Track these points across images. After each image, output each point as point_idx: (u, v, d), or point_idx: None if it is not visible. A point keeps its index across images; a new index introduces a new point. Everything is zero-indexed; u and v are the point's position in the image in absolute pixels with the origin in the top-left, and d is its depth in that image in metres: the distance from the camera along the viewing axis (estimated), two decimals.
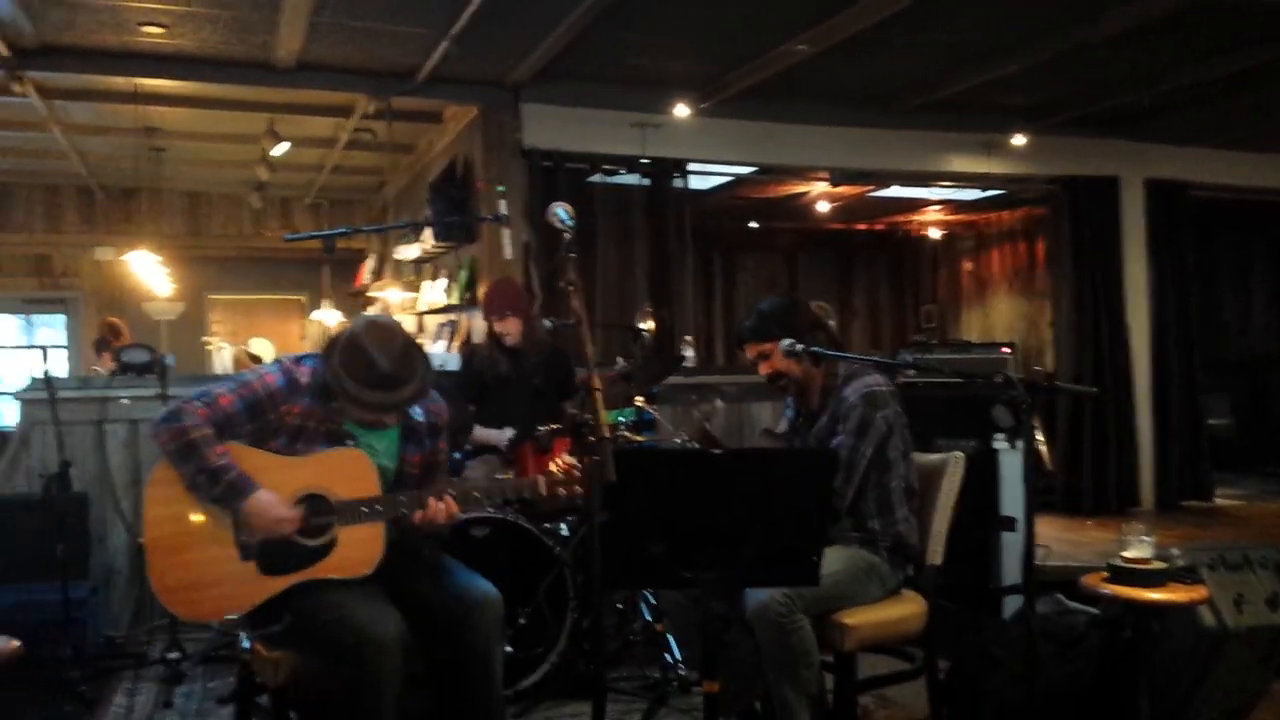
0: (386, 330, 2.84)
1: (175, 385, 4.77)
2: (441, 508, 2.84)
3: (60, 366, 10.97)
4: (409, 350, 2.81)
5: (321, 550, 2.78)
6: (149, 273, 9.22)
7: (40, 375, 4.63)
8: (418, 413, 3.02)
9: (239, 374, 2.99)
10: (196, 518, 2.79)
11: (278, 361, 2.96)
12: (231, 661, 4.22)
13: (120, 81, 6.43)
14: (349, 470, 2.83)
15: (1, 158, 8.96)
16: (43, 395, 4.64)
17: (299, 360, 2.93)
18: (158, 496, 2.81)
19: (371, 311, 8.69)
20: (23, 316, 11.86)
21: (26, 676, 4.00)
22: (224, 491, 2.73)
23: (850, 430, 3.18)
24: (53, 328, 11.76)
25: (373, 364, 2.73)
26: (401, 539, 2.90)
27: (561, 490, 2.94)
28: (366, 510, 2.80)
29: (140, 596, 5.06)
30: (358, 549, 2.79)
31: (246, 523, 2.76)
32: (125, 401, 5.15)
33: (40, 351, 4.81)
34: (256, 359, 10.84)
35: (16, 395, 5.29)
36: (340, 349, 2.77)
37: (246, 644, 2.93)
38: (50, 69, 6.00)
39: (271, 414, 2.83)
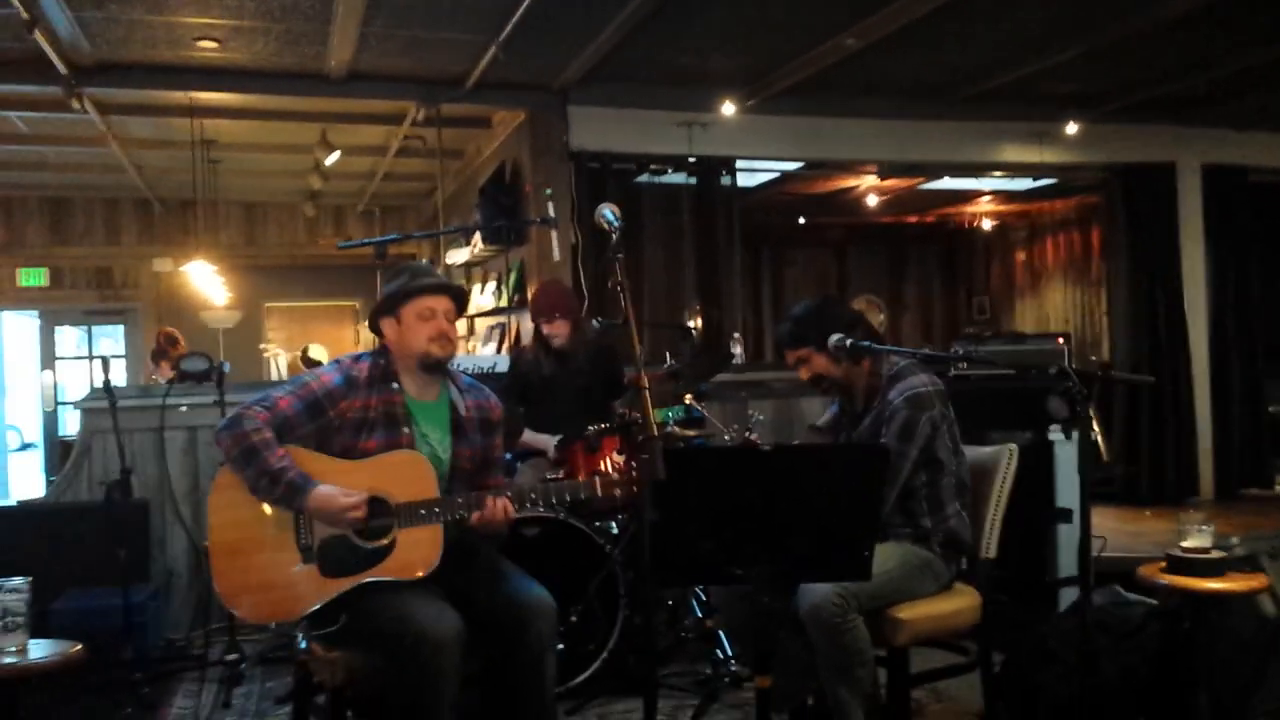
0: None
1: (233, 392, 4.85)
2: (499, 510, 2.87)
3: (120, 376, 11.21)
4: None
5: (381, 552, 2.82)
6: (206, 283, 9.40)
7: (101, 384, 4.74)
8: (469, 406, 3.09)
9: (297, 377, 3.05)
10: (259, 522, 2.84)
11: (335, 361, 3.05)
12: (289, 662, 4.29)
13: (176, 96, 6.57)
14: (408, 472, 2.88)
15: (62, 173, 9.18)
16: (103, 404, 4.75)
17: (356, 359, 3.02)
18: (221, 502, 2.87)
19: None
20: (84, 327, 12.14)
21: (90, 679, 4.08)
22: (285, 491, 2.78)
23: (894, 433, 3.16)
24: (113, 338, 12.03)
25: (408, 266, 3.09)
26: (460, 539, 2.94)
27: (616, 491, 2.95)
28: (425, 512, 2.83)
29: (199, 600, 5.17)
30: (417, 550, 2.82)
31: (313, 517, 2.81)
32: (184, 409, 5.26)
33: (101, 361, 4.91)
34: (315, 364, 11.02)
35: (78, 404, 5.43)
36: (384, 282, 3.08)
37: (304, 645, 2.98)
38: (108, 85, 6.14)
39: (331, 411, 2.90)
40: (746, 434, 4.34)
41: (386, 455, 2.90)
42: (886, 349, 3.29)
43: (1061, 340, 6.64)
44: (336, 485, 2.83)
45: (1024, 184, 9.44)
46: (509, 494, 2.92)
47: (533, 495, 2.96)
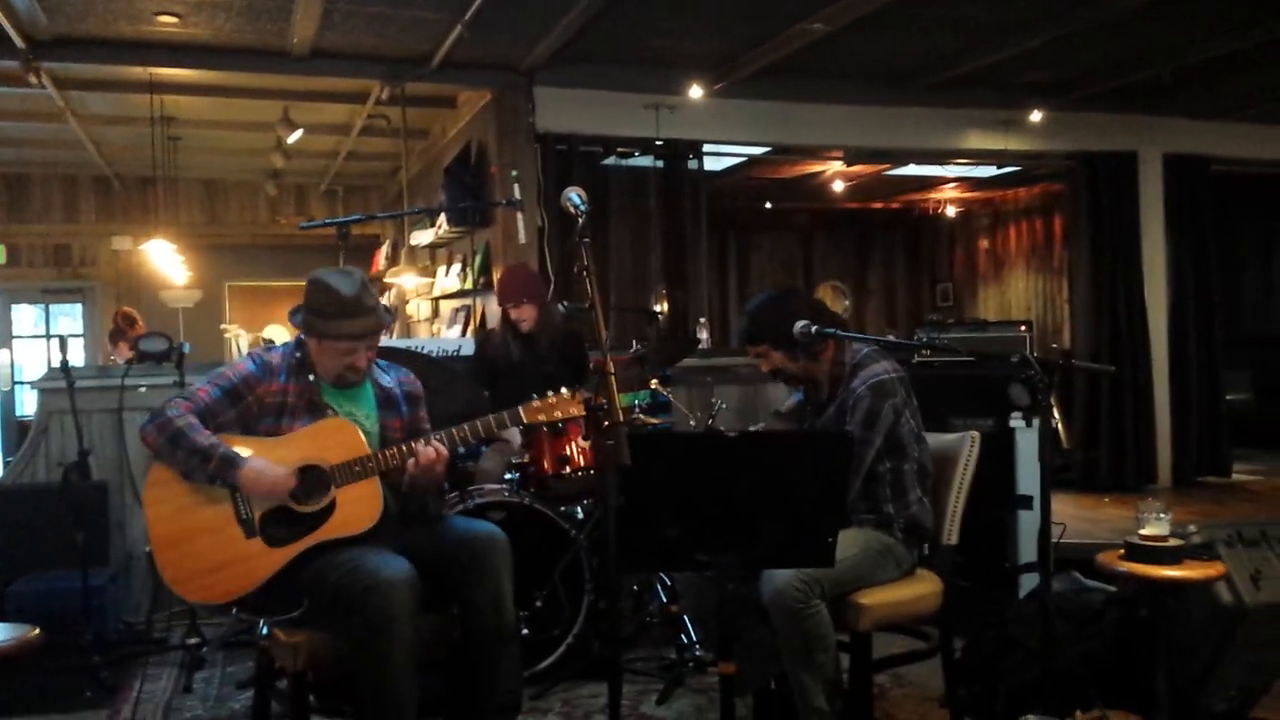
0: (342, 270, 3.07)
1: (192, 373, 4.79)
2: (431, 452, 2.94)
3: (78, 356, 11.05)
4: (365, 283, 3.03)
5: (322, 514, 2.88)
6: (166, 262, 9.27)
7: (58, 364, 4.66)
8: (388, 379, 3.18)
9: (214, 370, 3.16)
10: (196, 507, 2.88)
11: (249, 353, 3.16)
12: (250, 647, 4.27)
13: (135, 71, 6.45)
14: (337, 438, 2.94)
15: (19, 149, 9.02)
16: (61, 384, 4.67)
17: (269, 348, 3.13)
18: (155, 497, 2.91)
19: (386, 297, 8.73)
20: (41, 306, 11.94)
21: (48, 663, 4.03)
22: (218, 466, 2.83)
23: (858, 421, 3.18)
24: (71, 317, 11.84)
25: (337, 294, 2.94)
26: (405, 504, 3.01)
27: (541, 417, 3.00)
28: (359, 468, 2.90)
29: (159, 583, 5.10)
30: (358, 506, 2.89)
31: (248, 491, 2.85)
32: (143, 390, 5.19)
33: (58, 340, 4.83)
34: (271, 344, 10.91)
35: (35, 384, 5.34)
36: (306, 292, 3.00)
37: (265, 630, 2.97)
38: (66, 60, 6.01)
39: (249, 396, 2.98)
40: (709, 422, 4.35)
41: (316, 424, 2.97)
42: (847, 335, 3.29)
43: (1024, 328, 6.69)
44: (271, 459, 2.89)
45: (988, 171, 9.50)
46: (440, 436, 2.97)
47: (460, 433, 3.00)
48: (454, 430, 3.01)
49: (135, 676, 4.36)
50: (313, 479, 2.89)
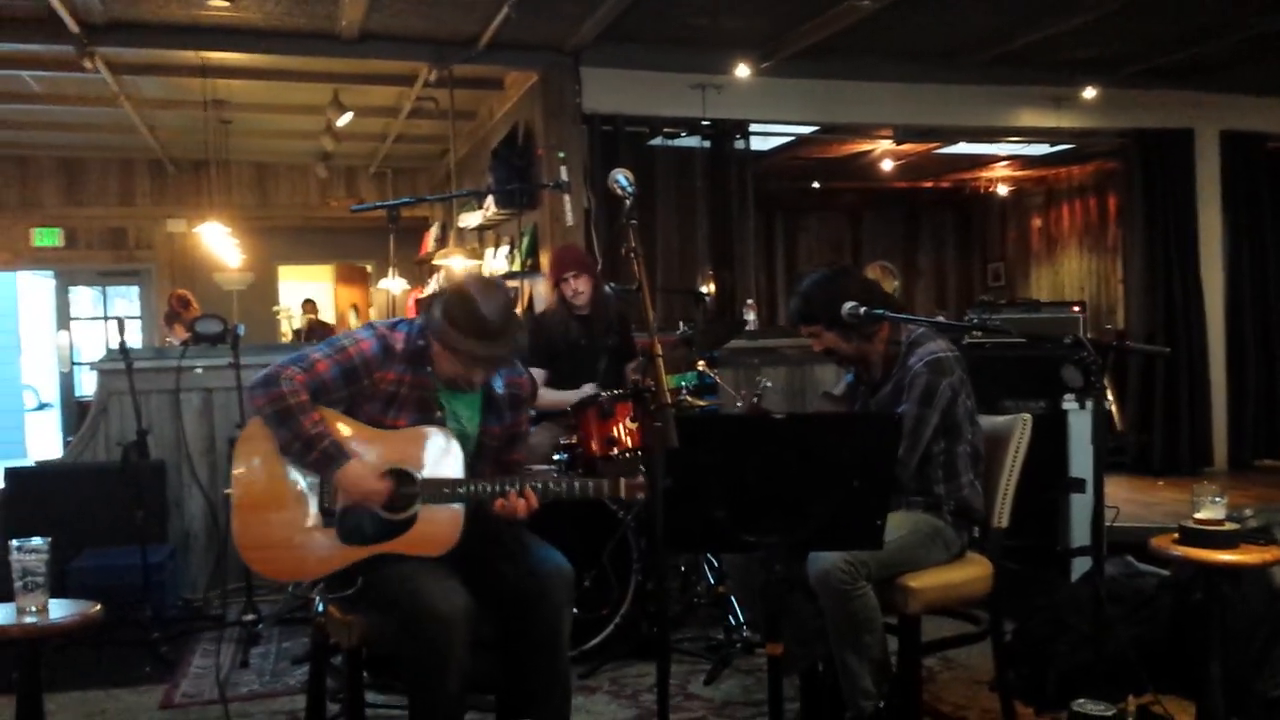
0: (491, 284, 2.90)
1: (247, 354, 4.86)
2: (520, 504, 2.84)
3: (135, 337, 11.26)
4: (510, 306, 2.86)
5: (402, 525, 2.82)
6: (219, 244, 9.40)
7: (117, 346, 4.75)
8: (499, 384, 3.05)
9: (334, 339, 2.98)
10: (284, 479, 2.82)
11: (370, 326, 2.97)
12: (305, 624, 4.33)
13: (187, 55, 6.54)
14: (435, 450, 2.85)
15: (75, 133, 9.18)
16: (120, 365, 4.76)
17: (394, 326, 2.95)
18: (247, 452, 2.84)
19: (435, 280, 8.78)
20: (98, 288, 12.18)
21: (108, 638, 4.14)
22: (318, 459, 2.77)
23: (915, 399, 3.15)
24: (127, 299, 12.07)
25: (478, 313, 2.76)
26: (479, 511, 2.92)
27: (640, 495, 2.90)
28: (449, 491, 2.82)
29: (217, 560, 5.21)
30: (436, 528, 2.82)
31: (338, 490, 2.80)
32: (199, 371, 5.27)
33: (116, 322, 4.92)
34: (324, 325, 11.05)
35: (94, 366, 5.45)
36: (446, 299, 2.82)
37: (320, 607, 3.00)
38: (119, 44, 6.11)
39: (366, 380, 2.86)
40: (754, 400, 4.33)
41: (416, 429, 2.87)
42: (897, 317, 3.25)
43: (1077, 309, 6.56)
44: (366, 452, 2.82)
45: (1041, 149, 9.37)
46: (536, 486, 2.87)
47: (559, 488, 2.91)
48: (549, 481, 2.91)
49: (193, 651, 4.45)
50: (403, 483, 2.83)
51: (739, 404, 3.48)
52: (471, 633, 2.69)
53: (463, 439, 2.93)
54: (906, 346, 3.25)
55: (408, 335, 2.91)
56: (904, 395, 3.19)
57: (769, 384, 4.35)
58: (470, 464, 2.92)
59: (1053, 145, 8.98)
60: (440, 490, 2.82)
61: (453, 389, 2.95)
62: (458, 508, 2.83)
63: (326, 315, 12.49)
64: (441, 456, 2.85)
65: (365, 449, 2.83)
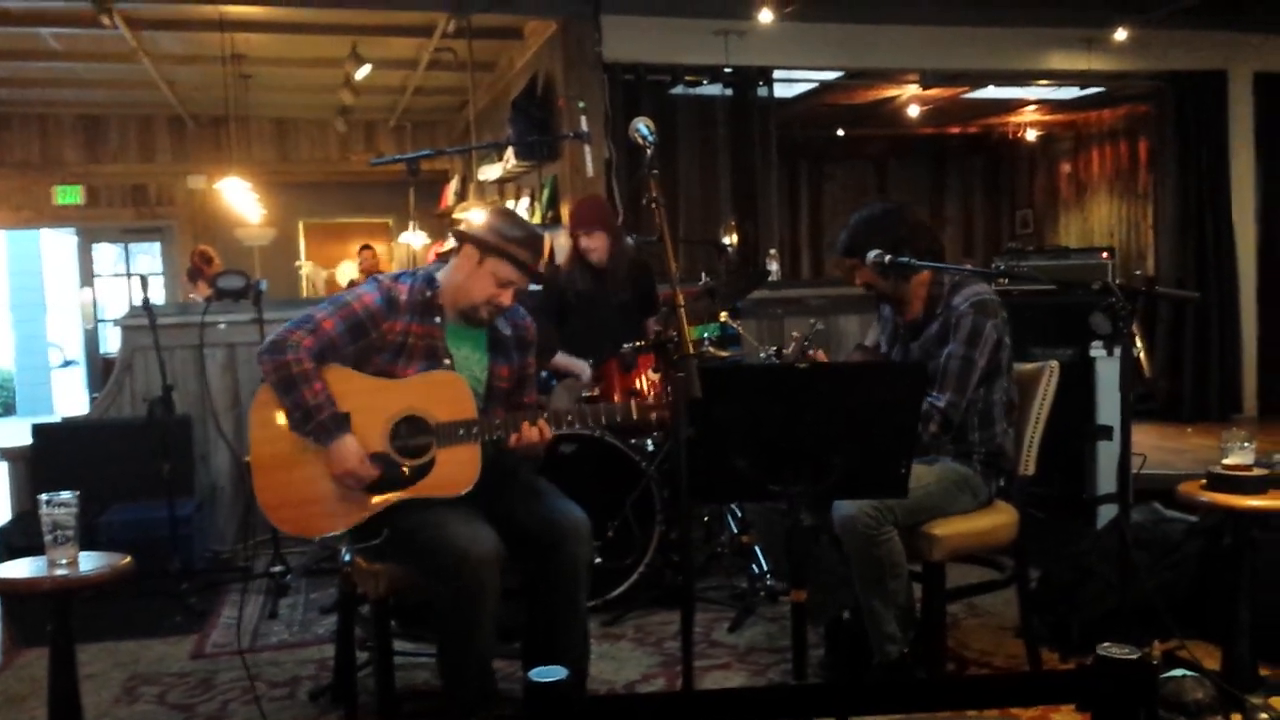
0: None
1: (270, 309, 4.87)
2: (535, 432, 2.88)
3: (158, 293, 11.33)
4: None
5: (421, 470, 2.85)
6: (240, 199, 9.41)
7: (140, 303, 4.77)
8: (504, 325, 3.09)
9: (337, 296, 3.03)
10: (300, 439, 2.86)
11: (374, 279, 3.01)
12: (333, 574, 4.38)
13: (205, 10, 6.50)
14: (447, 393, 2.89)
15: (95, 90, 9.17)
16: (144, 322, 4.79)
17: (396, 278, 2.99)
18: (262, 418, 2.89)
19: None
20: (120, 245, 12.24)
21: (139, 589, 4.19)
22: (314, 429, 2.81)
23: (962, 339, 3.12)
24: (149, 255, 12.13)
25: (526, 223, 3.06)
26: (498, 459, 2.96)
27: (652, 415, 2.94)
28: (463, 432, 2.85)
29: (243, 513, 5.26)
30: (455, 469, 2.85)
31: (328, 462, 2.82)
32: (222, 327, 5.29)
33: (140, 279, 4.94)
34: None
35: (119, 322, 5.48)
36: (489, 218, 3.01)
37: (347, 557, 3.03)
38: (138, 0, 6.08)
39: (374, 333, 2.90)
40: (805, 345, 4.24)
41: (426, 374, 2.91)
42: (922, 265, 3.19)
43: (1106, 255, 6.50)
44: (377, 402, 2.85)
45: (1071, 93, 9.19)
46: (546, 415, 2.92)
47: (569, 417, 2.96)
48: (561, 412, 2.96)
49: (222, 603, 4.50)
50: (415, 430, 2.86)
51: (788, 350, 3.44)
52: (501, 574, 2.72)
53: (473, 383, 2.96)
54: (950, 287, 3.22)
55: (411, 286, 2.96)
56: (950, 335, 3.15)
57: (820, 326, 4.28)
58: (482, 407, 2.96)
59: (1083, 88, 8.81)
60: (455, 432, 2.86)
61: (467, 323, 2.99)
62: (475, 447, 2.87)
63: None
64: (453, 399, 2.89)
65: (377, 399, 2.87)
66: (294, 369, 2.79)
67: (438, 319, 2.96)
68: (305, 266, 11.27)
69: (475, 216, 8.21)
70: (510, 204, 7.91)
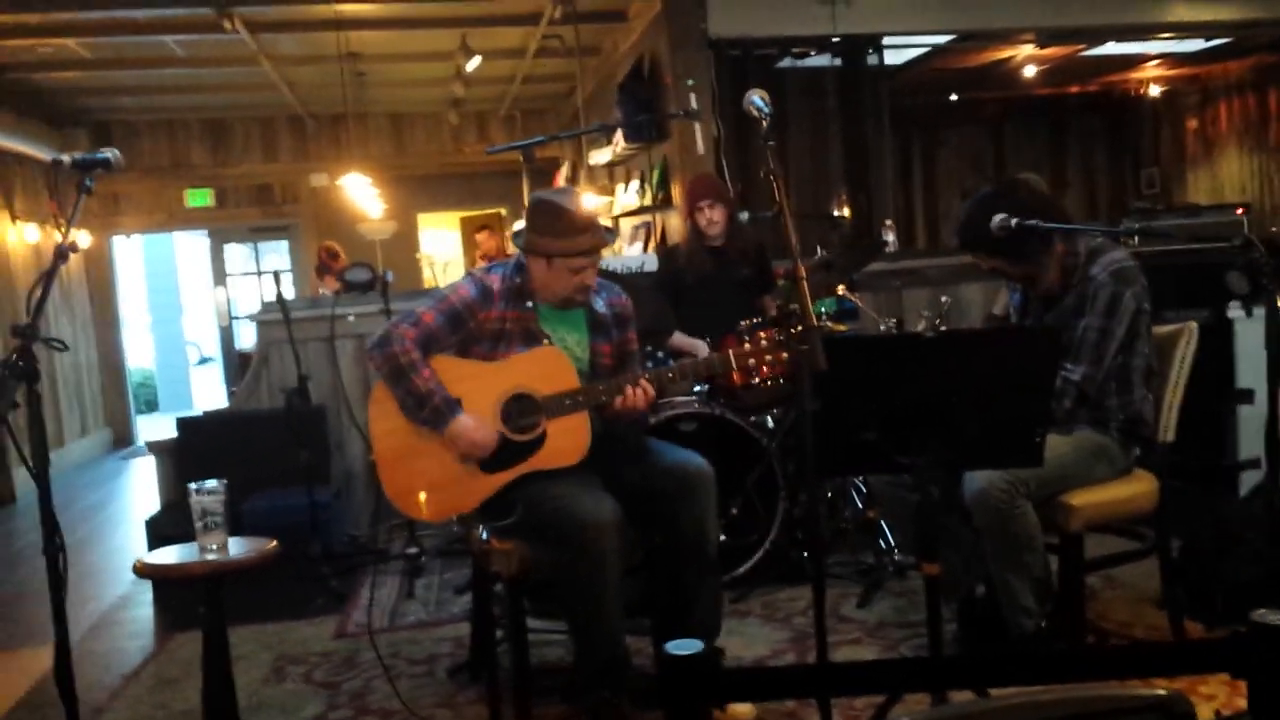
0: (559, 189, 3.13)
1: (396, 300, 5.00)
2: (638, 392, 2.96)
3: (287, 289, 11.71)
4: (579, 199, 3.06)
5: (534, 444, 2.96)
6: (361, 195, 9.65)
7: (274, 299, 4.95)
8: (600, 304, 3.17)
9: (437, 290, 3.20)
10: (417, 429, 2.98)
11: (469, 274, 3.16)
12: (464, 555, 4.48)
13: (321, 10, 6.68)
14: (549, 368, 2.99)
15: (218, 94, 9.50)
16: (277, 317, 4.97)
17: (488, 270, 3.13)
18: (379, 413, 3.03)
19: None
20: (250, 244, 12.69)
21: (284, 572, 4.35)
22: (429, 415, 2.93)
23: (1100, 310, 3.02)
24: (277, 252, 12.54)
25: (563, 209, 2.98)
26: (608, 430, 3.04)
27: (751, 360, 2.97)
28: (569, 402, 2.94)
29: (378, 499, 5.42)
30: (567, 439, 2.95)
31: (450, 443, 2.93)
32: (351, 319, 5.46)
33: (272, 276, 5.14)
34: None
35: (254, 318, 5.69)
36: (530, 214, 3.03)
37: (484, 535, 3.11)
38: (256, 3, 6.28)
39: (471, 323, 3.02)
40: (935, 321, 4.16)
41: (527, 353, 3.02)
42: (1049, 226, 3.05)
43: (1241, 210, 6.20)
44: (484, 385, 2.96)
45: (1195, 45, 8.79)
46: (648, 377, 2.99)
47: (671, 374, 3.02)
48: (663, 371, 3.04)
49: (362, 584, 4.66)
50: (523, 408, 2.95)
51: (920, 326, 3.40)
52: (624, 541, 2.79)
53: (575, 362, 3.04)
54: (1087, 255, 3.11)
55: (503, 275, 3.07)
56: (1087, 306, 3.05)
57: (948, 300, 4.21)
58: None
59: (1208, 40, 8.42)
60: (561, 403, 2.94)
61: (566, 307, 3.08)
62: (583, 414, 2.95)
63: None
64: (554, 372, 2.98)
65: (484, 382, 2.98)
66: (401, 359, 2.92)
67: (529, 304, 3.06)
68: (425, 258, 11.50)
69: (586, 202, 8.28)
70: (620, 187, 7.94)
